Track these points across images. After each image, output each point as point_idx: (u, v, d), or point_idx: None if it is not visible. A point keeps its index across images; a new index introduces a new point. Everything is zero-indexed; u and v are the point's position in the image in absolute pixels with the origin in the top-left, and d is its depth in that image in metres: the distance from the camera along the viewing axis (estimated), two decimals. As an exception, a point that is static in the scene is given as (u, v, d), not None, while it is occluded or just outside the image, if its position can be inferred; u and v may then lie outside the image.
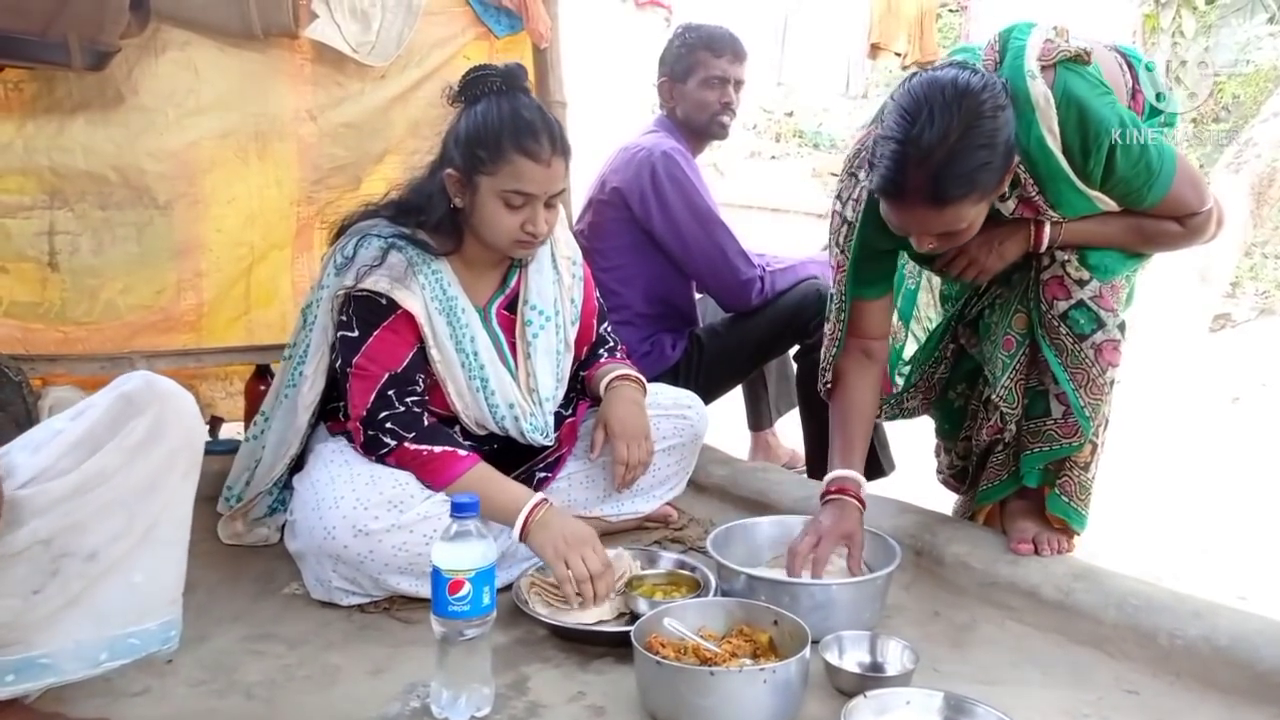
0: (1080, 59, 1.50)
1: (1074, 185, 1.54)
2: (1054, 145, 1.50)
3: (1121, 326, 1.62)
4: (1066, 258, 1.61)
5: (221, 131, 2.17)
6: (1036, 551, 1.66)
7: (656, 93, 2.59)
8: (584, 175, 2.63)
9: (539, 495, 1.63)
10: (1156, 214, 1.60)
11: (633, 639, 1.33)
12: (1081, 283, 1.60)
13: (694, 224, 2.42)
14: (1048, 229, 1.60)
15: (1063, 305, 1.61)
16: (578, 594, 1.55)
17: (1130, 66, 1.67)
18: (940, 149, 1.39)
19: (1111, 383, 1.64)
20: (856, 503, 1.66)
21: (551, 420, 1.87)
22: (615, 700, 1.38)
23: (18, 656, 1.07)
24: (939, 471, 2.06)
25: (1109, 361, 1.61)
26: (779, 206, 7.21)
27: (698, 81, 2.49)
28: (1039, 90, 1.48)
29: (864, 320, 1.79)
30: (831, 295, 1.86)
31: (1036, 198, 1.56)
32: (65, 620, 1.09)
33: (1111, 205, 1.58)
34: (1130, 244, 1.63)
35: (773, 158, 8.45)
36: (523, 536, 1.59)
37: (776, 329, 2.52)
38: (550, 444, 1.88)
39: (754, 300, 2.48)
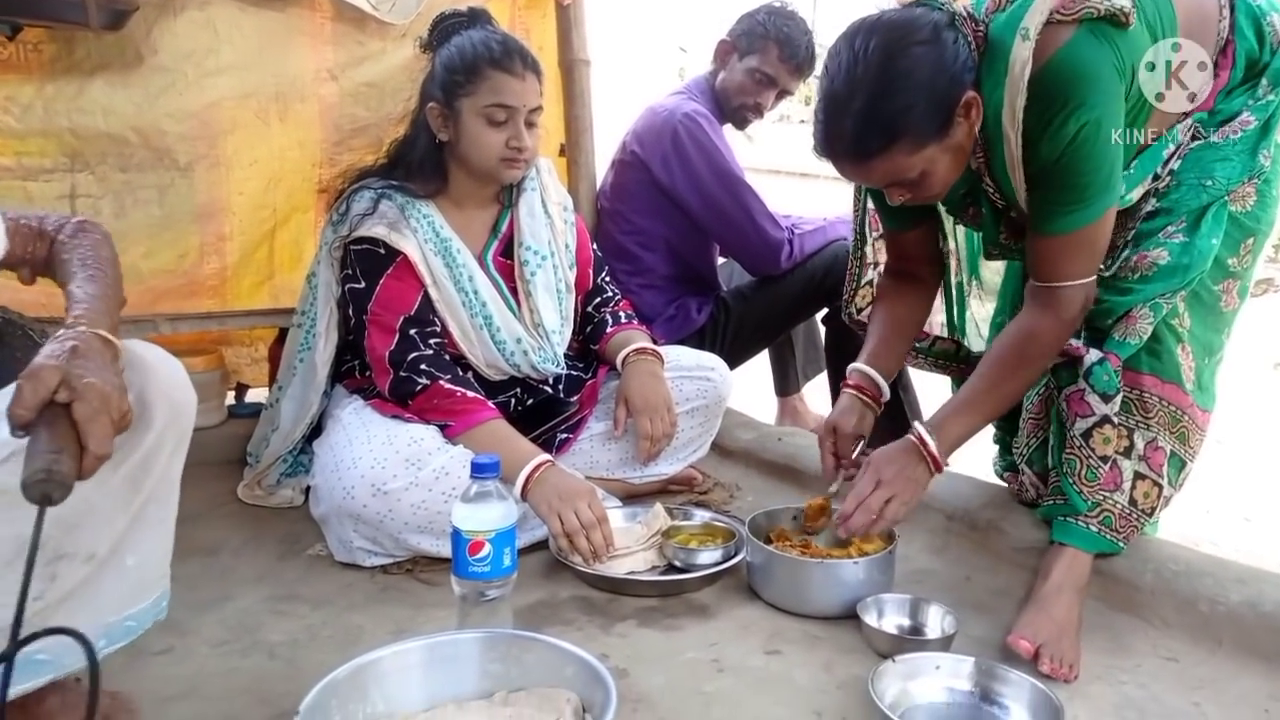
0: (1115, 20, 1.28)
1: (1005, 165, 1.37)
2: (1007, 122, 1.33)
3: (1089, 374, 1.44)
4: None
5: (242, 92, 2.14)
6: (1035, 659, 1.32)
7: (715, 47, 2.50)
8: (608, 136, 2.59)
9: (544, 456, 1.64)
10: (1041, 256, 1.39)
11: (749, 533, 1.58)
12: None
13: (718, 187, 2.37)
14: (925, 433, 1.43)
15: (1059, 360, 1.51)
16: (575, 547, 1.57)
17: (1232, 8, 1.45)
18: (852, 102, 1.29)
19: (1083, 436, 1.46)
20: (859, 396, 1.61)
21: (560, 352, 1.89)
22: (638, 663, 1.36)
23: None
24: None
25: (1076, 412, 1.47)
26: (807, 171, 7.09)
27: (749, 68, 2.41)
28: (1020, 55, 1.29)
29: (902, 248, 1.70)
30: (853, 229, 1.80)
31: (981, 162, 1.42)
32: (61, 616, 1.01)
33: (1020, 201, 1.39)
34: (1012, 388, 1.45)
35: (802, 121, 8.30)
36: (523, 494, 1.60)
37: (805, 292, 2.48)
38: (561, 371, 1.90)
39: (783, 263, 2.44)
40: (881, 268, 1.82)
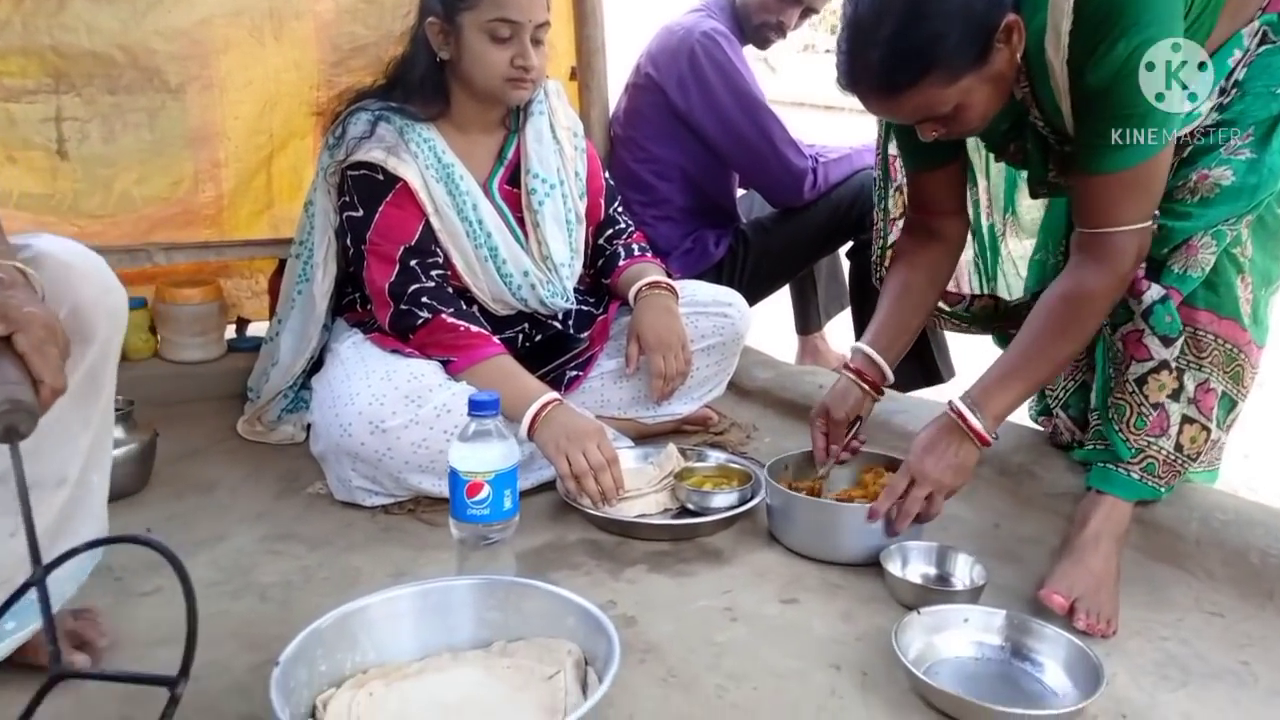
0: None
1: (1053, 95, 1.25)
2: (1050, 49, 1.20)
3: (1149, 313, 1.32)
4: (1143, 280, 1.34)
5: (233, 8, 2.02)
6: (1070, 614, 1.25)
7: None
8: (622, 58, 2.46)
9: (551, 394, 1.57)
10: (1089, 198, 1.26)
11: (768, 477, 1.50)
12: None
13: (738, 111, 2.24)
14: (966, 410, 1.31)
15: None
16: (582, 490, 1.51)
17: None
18: (879, 29, 1.18)
19: (1137, 382, 1.36)
20: (857, 381, 1.52)
21: (570, 286, 1.81)
22: (647, 610, 1.30)
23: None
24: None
25: (1132, 355, 1.36)
26: (832, 104, 6.87)
27: None
28: None
29: (924, 193, 1.56)
30: (875, 180, 1.69)
31: (1026, 92, 1.30)
32: (49, 551, 0.91)
33: (1066, 125, 1.26)
34: (1062, 352, 1.31)
35: (827, 51, 8.05)
36: (530, 434, 1.53)
37: (829, 224, 2.36)
38: (570, 305, 1.83)
39: (806, 194, 2.32)
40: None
